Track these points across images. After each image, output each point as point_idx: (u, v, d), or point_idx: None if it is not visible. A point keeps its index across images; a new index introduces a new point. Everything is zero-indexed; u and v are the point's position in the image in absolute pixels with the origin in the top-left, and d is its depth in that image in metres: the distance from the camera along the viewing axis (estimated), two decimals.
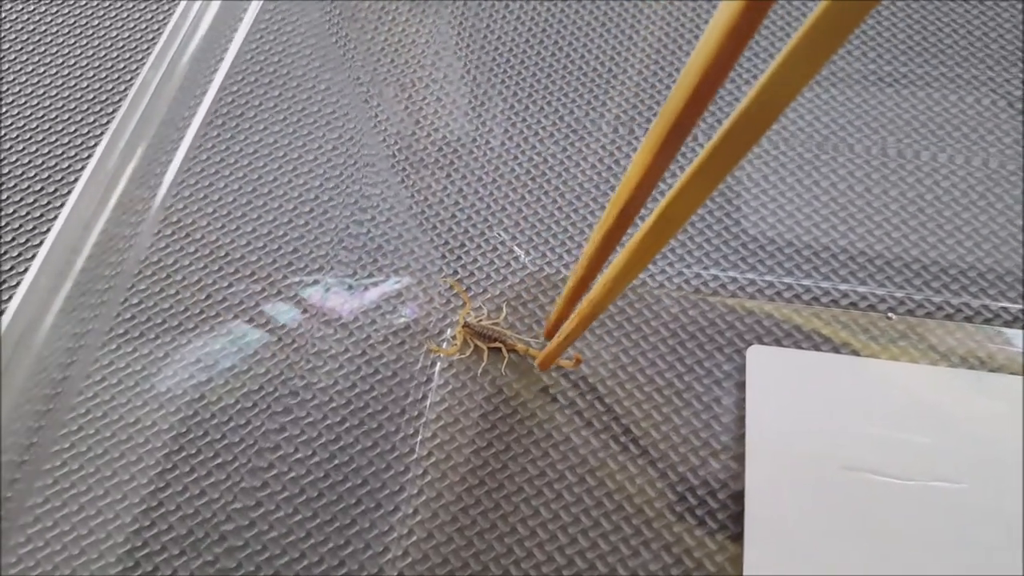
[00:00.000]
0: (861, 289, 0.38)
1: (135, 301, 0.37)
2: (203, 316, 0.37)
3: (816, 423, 0.34)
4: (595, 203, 0.41)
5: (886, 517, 0.32)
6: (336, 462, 0.35)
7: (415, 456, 0.35)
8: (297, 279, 0.39)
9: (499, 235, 0.40)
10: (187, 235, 0.39)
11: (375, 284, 0.40)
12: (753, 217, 0.40)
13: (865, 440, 0.33)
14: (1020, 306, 0.37)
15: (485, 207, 0.42)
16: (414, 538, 0.33)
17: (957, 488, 0.32)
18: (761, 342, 0.37)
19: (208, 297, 0.38)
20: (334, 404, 0.36)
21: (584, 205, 0.41)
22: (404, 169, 0.42)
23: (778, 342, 0.37)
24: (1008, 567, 0.30)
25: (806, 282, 0.38)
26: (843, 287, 0.38)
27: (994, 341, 0.36)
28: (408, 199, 0.42)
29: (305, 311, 0.38)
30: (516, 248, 0.40)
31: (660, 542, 0.32)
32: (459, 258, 0.40)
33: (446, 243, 0.41)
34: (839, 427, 0.34)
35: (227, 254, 0.39)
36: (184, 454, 0.34)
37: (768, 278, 0.38)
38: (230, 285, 0.38)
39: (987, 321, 0.37)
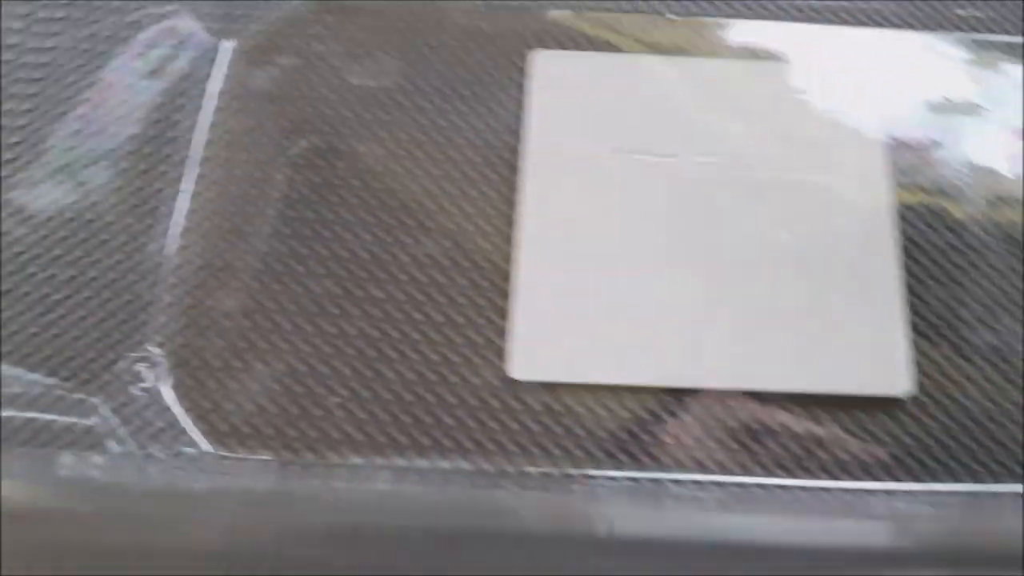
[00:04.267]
0: None
1: None
2: None
3: (593, 117, 0.35)
4: None
5: (652, 188, 0.33)
6: None
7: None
8: None
9: None
10: None
11: None
12: None
13: (637, 127, 0.35)
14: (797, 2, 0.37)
15: None
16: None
17: (710, 162, 0.33)
18: (546, 47, 0.36)
19: None
20: None
21: None
22: None
23: (563, 46, 0.37)
24: (745, 215, 0.33)
25: None
26: None
27: (770, 36, 0.37)
28: None
29: None
30: None
31: (440, 231, 0.33)
32: None
33: None
34: (614, 119, 0.35)
35: None
36: None
37: None
38: None
39: (763, 17, 0.37)
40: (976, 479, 0.30)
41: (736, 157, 0.34)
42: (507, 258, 0.32)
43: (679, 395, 0.30)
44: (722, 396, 0.30)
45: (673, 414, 0.30)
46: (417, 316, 0.31)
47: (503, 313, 0.31)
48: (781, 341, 0.31)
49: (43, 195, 0.34)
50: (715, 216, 0.33)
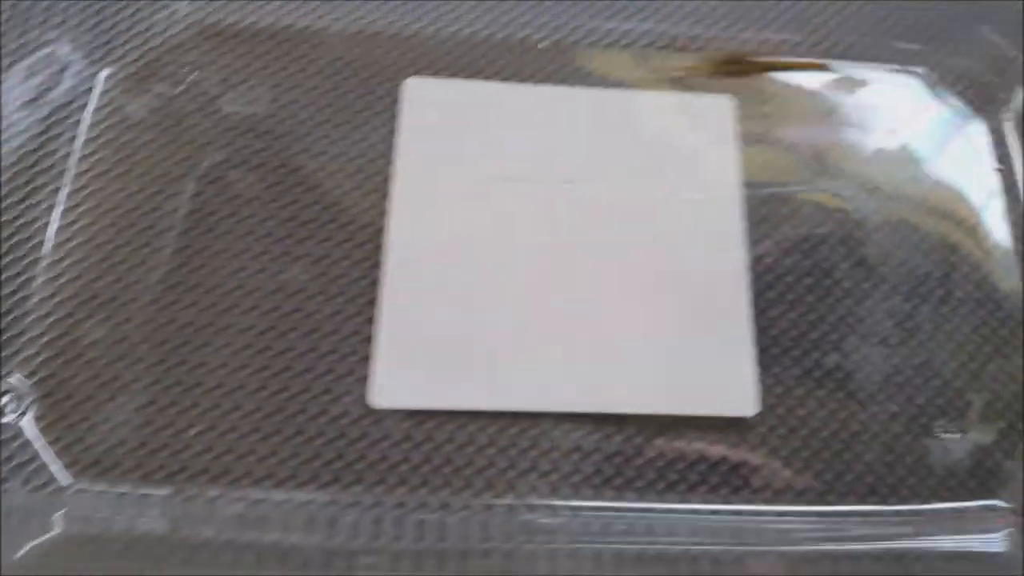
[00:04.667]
0: (523, 20, 0.39)
1: None
2: None
3: (463, 144, 0.36)
4: None
5: (519, 215, 0.34)
6: None
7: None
8: None
9: None
10: None
11: None
12: None
13: (505, 154, 0.35)
14: (660, 29, 0.38)
15: None
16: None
17: (573, 187, 0.34)
18: (419, 74, 0.37)
19: None
20: None
21: None
22: None
23: (435, 73, 0.37)
24: (602, 240, 0.34)
25: (464, 10, 0.38)
26: (503, 19, 0.39)
27: (638, 63, 0.38)
28: None
29: None
30: None
31: (308, 258, 0.33)
32: (104, 10, 0.38)
33: None
34: (484, 146, 0.36)
35: None
36: None
37: (429, 12, 0.38)
38: None
39: (627, 46, 0.38)
40: (822, 500, 0.31)
41: (597, 184, 0.35)
42: (372, 284, 0.33)
43: (537, 420, 0.31)
44: (577, 419, 0.31)
45: (532, 439, 0.31)
46: (281, 344, 0.32)
47: (368, 340, 0.32)
48: (635, 365, 0.32)
49: None
50: (576, 242, 0.34)
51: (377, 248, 0.34)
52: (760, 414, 0.32)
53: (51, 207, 0.35)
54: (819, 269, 0.35)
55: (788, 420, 0.32)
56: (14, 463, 0.30)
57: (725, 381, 0.32)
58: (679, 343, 0.32)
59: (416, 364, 0.31)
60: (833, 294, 0.34)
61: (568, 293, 0.33)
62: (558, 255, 0.33)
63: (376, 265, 0.33)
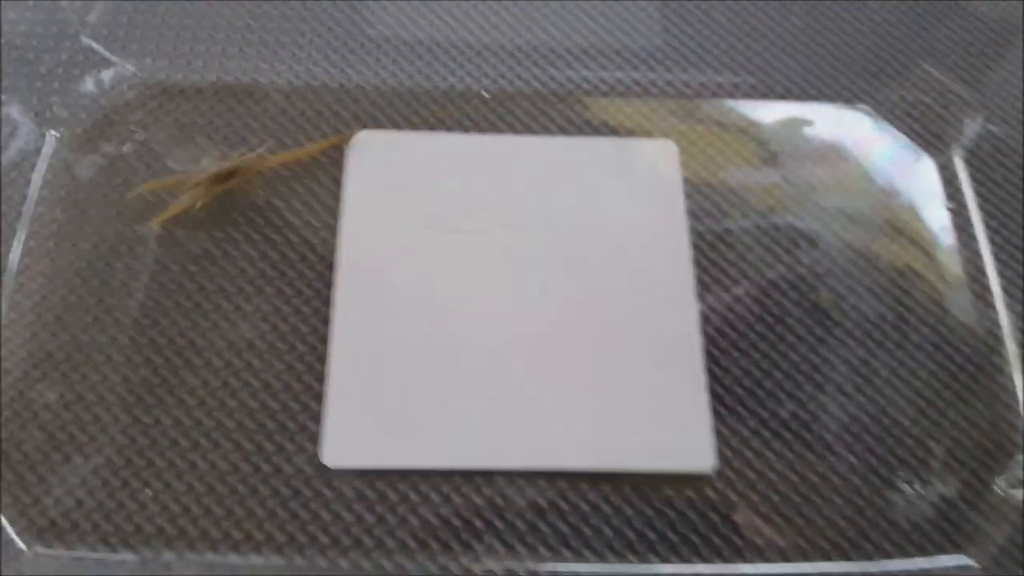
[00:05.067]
0: (459, 72, 0.40)
1: None
2: None
3: (409, 195, 0.36)
4: None
5: (457, 264, 0.35)
6: None
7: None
8: None
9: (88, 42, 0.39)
10: None
11: None
12: (365, 11, 0.41)
13: (451, 203, 0.36)
14: (601, 75, 0.40)
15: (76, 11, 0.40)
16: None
17: (519, 233, 0.35)
18: (364, 126, 0.38)
19: None
20: None
21: None
22: None
23: (382, 127, 0.38)
24: (551, 291, 0.34)
25: (410, 68, 0.39)
26: (443, 72, 0.40)
27: (583, 109, 0.39)
28: None
29: None
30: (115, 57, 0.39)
31: (258, 314, 0.34)
32: (50, 72, 0.39)
33: (28, 59, 0.39)
34: (429, 196, 0.36)
35: None
36: None
37: (374, 68, 0.39)
38: None
39: (568, 93, 0.39)
40: (784, 558, 0.30)
41: (543, 228, 0.36)
42: (322, 339, 0.33)
43: (490, 478, 0.31)
44: (531, 476, 0.31)
45: (486, 498, 0.31)
46: (232, 403, 0.33)
47: (319, 398, 0.33)
48: (587, 419, 0.32)
49: None
50: (524, 293, 0.34)
51: (326, 303, 0.34)
52: (718, 469, 0.31)
53: (1, 270, 0.35)
54: (770, 315, 0.35)
55: (747, 474, 0.32)
56: None
57: (681, 435, 0.32)
58: (631, 395, 0.32)
59: (368, 422, 0.32)
60: (786, 340, 0.34)
61: (517, 346, 0.33)
62: (506, 307, 0.34)
63: (326, 319, 0.34)
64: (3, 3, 0.40)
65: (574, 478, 0.31)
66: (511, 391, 0.32)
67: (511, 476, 0.31)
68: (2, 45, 0.39)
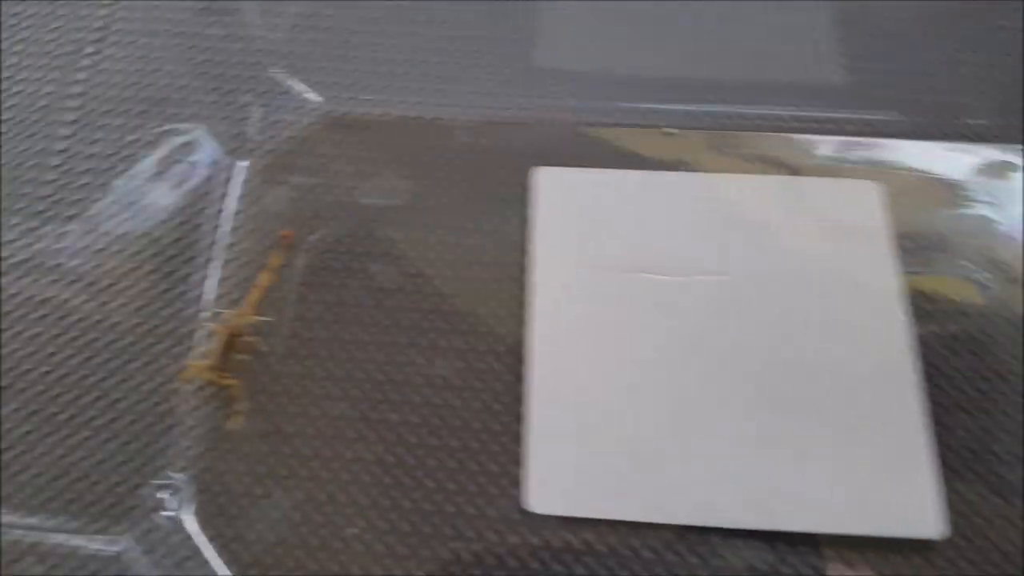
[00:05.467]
0: (642, 107, 0.39)
1: None
2: None
3: (596, 234, 0.36)
4: (388, 26, 0.41)
5: (659, 312, 0.34)
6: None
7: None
8: None
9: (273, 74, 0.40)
10: None
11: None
12: (542, 45, 0.41)
13: (641, 245, 0.35)
14: (793, 112, 0.39)
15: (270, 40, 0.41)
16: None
17: (721, 280, 0.34)
18: (548, 164, 0.38)
19: None
20: None
21: (378, 30, 0.41)
22: None
23: (564, 163, 0.38)
24: (777, 345, 0.33)
25: (591, 104, 0.39)
26: (625, 106, 0.39)
27: (770, 147, 0.38)
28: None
29: None
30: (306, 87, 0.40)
31: (453, 351, 0.34)
32: (238, 100, 0.39)
33: (219, 88, 0.40)
34: (618, 236, 0.36)
35: None
36: None
37: (555, 102, 0.39)
38: None
39: (759, 128, 0.39)
40: None
41: (745, 275, 0.34)
42: (519, 379, 0.33)
43: (705, 535, 0.30)
44: (747, 537, 0.30)
45: (700, 557, 0.30)
46: (432, 441, 0.32)
47: (518, 439, 0.32)
48: (803, 479, 0.30)
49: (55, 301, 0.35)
50: (731, 342, 0.33)
51: (520, 341, 0.34)
52: (947, 536, 0.29)
53: (195, 298, 0.36)
54: (992, 371, 0.33)
55: (977, 542, 0.30)
56: (177, 556, 0.31)
57: (907, 498, 0.30)
58: (850, 454, 0.30)
59: (571, 469, 0.31)
60: (1011, 399, 0.32)
61: (725, 397, 0.32)
62: (710, 356, 0.33)
63: (521, 359, 0.34)
64: (198, 32, 0.41)
65: (793, 541, 0.30)
66: (719, 444, 0.31)
67: (727, 535, 0.30)
68: (195, 74, 0.40)
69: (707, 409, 0.32)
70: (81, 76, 0.40)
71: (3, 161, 0.37)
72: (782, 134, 0.39)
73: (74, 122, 0.39)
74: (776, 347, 0.33)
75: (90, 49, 0.40)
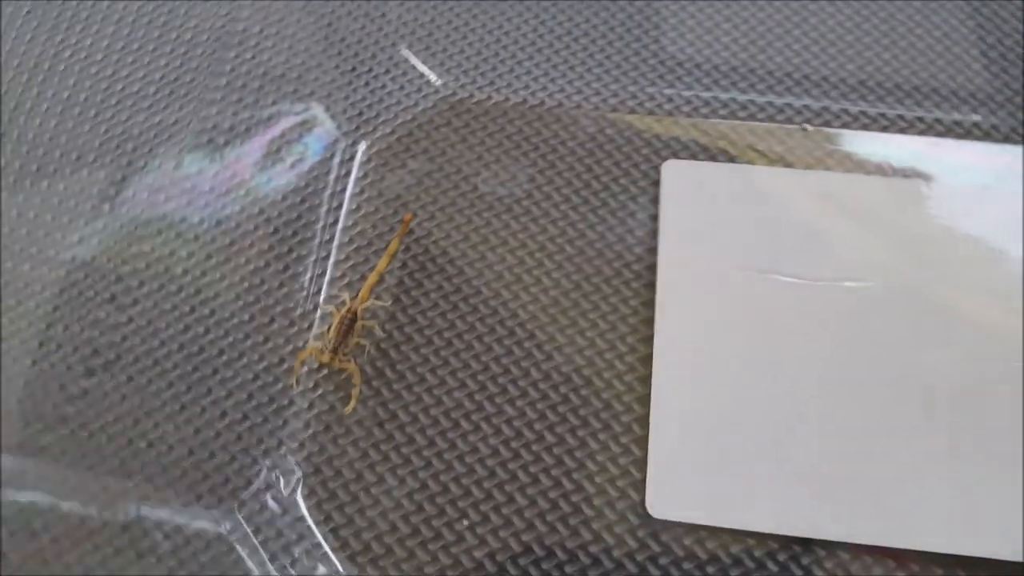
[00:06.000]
0: (779, 102, 0.37)
1: None
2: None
3: (727, 232, 0.34)
4: (512, 11, 0.40)
5: (795, 317, 0.32)
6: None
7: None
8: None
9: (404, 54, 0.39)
10: None
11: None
12: (672, 34, 0.39)
13: (775, 245, 0.34)
14: (935, 115, 0.36)
15: (391, 20, 0.40)
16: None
17: (864, 286, 0.32)
18: (677, 157, 0.36)
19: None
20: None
21: (502, 14, 0.40)
22: None
23: (694, 156, 0.36)
24: (911, 358, 0.31)
25: (723, 96, 0.37)
26: (760, 100, 0.37)
27: (911, 150, 0.36)
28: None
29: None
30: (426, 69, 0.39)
31: (573, 346, 0.33)
32: (357, 80, 0.39)
33: (338, 66, 0.39)
34: (750, 235, 0.34)
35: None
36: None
37: (685, 93, 0.38)
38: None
39: (902, 131, 0.36)
40: None
41: (888, 283, 0.33)
42: (643, 379, 0.32)
43: (833, 550, 0.29)
44: (879, 554, 0.29)
45: (827, 570, 0.29)
46: (549, 438, 0.31)
47: (641, 442, 0.31)
48: (926, 495, 0.29)
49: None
50: (863, 350, 0.31)
51: (643, 338, 0.33)
52: None
53: (312, 279, 0.35)
54: None
55: None
56: (286, 540, 0.30)
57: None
58: (977, 474, 0.29)
59: (696, 475, 0.30)
60: None
61: (853, 409, 0.30)
62: (842, 364, 0.31)
63: (644, 358, 0.32)
64: (327, 9, 0.40)
65: (926, 560, 0.28)
66: (849, 458, 0.30)
67: (857, 551, 0.28)
68: (315, 51, 0.39)
69: (833, 421, 0.30)
70: (199, 51, 0.39)
71: (129, 133, 0.37)
72: (924, 137, 0.36)
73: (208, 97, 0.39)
74: (912, 361, 0.31)
75: (218, 22, 0.40)
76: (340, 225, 0.36)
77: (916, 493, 0.29)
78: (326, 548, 0.30)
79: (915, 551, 0.28)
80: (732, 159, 0.36)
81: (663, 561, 0.29)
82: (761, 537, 0.29)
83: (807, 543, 0.29)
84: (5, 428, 0.31)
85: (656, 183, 0.35)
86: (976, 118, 0.36)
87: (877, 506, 0.29)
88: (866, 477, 0.29)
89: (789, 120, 0.37)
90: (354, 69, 0.39)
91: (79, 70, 0.38)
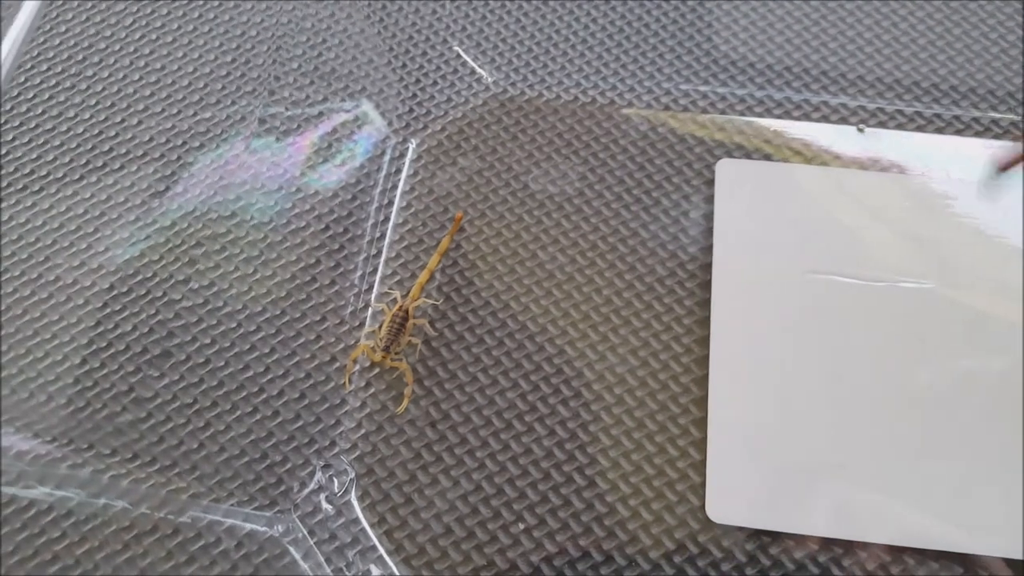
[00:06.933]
0: (833, 102, 0.37)
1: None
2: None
3: (783, 232, 0.34)
4: (564, 8, 0.39)
5: (850, 317, 0.32)
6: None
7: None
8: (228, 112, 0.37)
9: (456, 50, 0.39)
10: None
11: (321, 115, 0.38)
12: (725, 33, 0.39)
13: (831, 245, 0.33)
14: (992, 115, 0.36)
15: (442, 17, 0.40)
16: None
17: (922, 287, 0.32)
18: (731, 156, 0.36)
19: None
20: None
21: (553, 11, 0.40)
22: None
23: (748, 155, 0.36)
24: (970, 359, 0.30)
25: (777, 95, 0.37)
26: (815, 100, 0.37)
27: (962, 150, 0.35)
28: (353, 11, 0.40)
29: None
30: (477, 67, 0.39)
31: (627, 347, 0.32)
32: (407, 77, 0.39)
33: (389, 63, 0.39)
34: (806, 235, 0.34)
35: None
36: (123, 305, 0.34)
37: (739, 92, 0.37)
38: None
39: (958, 132, 0.36)
40: None
41: (947, 284, 0.32)
42: (699, 381, 0.31)
43: (899, 555, 0.28)
44: (946, 560, 0.28)
45: None
46: (605, 440, 0.31)
47: (700, 445, 0.30)
48: (991, 497, 0.29)
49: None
50: (920, 352, 0.31)
51: (699, 340, 0.32)
52: None
53: (369, 273, 0.35)
54: None
55: None
56: (340, 542, 0.30)
57: None
58: None
59: (755, 478, 0.29)
60: None
61: (915, 414, 0.30)
62: (902, 367, 0.31)
63: (700, 360, 0.32)
64: (378, 6, 0.40)
65: (991, 567, 0.28)
66: (908, 461, 0.29)
67: (923, 556, 0.28)
68: (365, 47, 0.39)
69: (892, 425, 0.30)
70: (247, 48, 0.39)
71: (178, 129, 0.37)
72: (980, 139, 0.36)
73: (248, 92, 0.39)
74: (971, 364, 0.31)
75: (267, 20, 0.40)
76: (391, 222, 0.36)
77: (982, 495, 0.28)
78: (381, 551, 0.30)
79: (987, 556, 0.28)
80: (786, 159, 0.36)
81: (725, 567, 0.28)
82: (825, 542, 0.28)
83: (888, 550, 0.28)
84: (55, 427, 0.31)
85: (709, 182, 0.35)
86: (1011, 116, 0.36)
87: (943, 509, 0.28)
88: (930, 479, 0.29)
89: (844, 120, 0.36)
90: (405, 66, 0.38)
91: (128, 64, 0.38)
